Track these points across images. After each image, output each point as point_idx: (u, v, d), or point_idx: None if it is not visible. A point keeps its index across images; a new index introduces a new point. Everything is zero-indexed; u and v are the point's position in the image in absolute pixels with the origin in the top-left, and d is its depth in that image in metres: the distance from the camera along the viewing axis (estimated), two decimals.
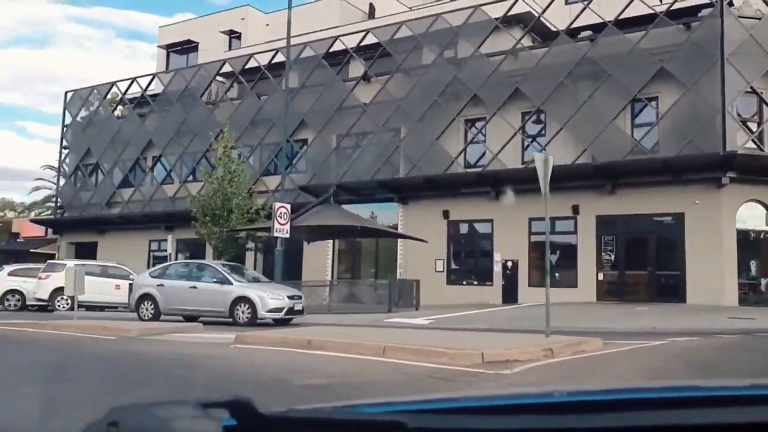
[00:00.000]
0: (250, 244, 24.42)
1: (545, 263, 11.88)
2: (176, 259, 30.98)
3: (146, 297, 16.99)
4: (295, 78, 30.12)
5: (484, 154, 25.06)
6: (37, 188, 42.56)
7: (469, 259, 25.63)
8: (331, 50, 28.65)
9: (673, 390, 1.22)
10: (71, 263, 21.07)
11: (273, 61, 30.22)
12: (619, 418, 0.96)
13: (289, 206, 19.97)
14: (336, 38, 28.36)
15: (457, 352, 8.08)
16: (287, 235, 19.75)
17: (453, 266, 25.23)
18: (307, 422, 0.96)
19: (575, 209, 22.83)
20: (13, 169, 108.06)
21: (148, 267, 32.47)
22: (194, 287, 16.45)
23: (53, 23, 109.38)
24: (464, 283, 24.70)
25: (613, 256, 22.64)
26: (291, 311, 15.90)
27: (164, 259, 31.03)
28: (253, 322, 15.36)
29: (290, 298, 16.08)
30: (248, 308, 15.63)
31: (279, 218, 19.40)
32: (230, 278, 16.32)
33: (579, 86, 23.27)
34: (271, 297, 15.70)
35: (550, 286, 11.37)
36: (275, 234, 19.40)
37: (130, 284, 22.61)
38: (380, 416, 0.99)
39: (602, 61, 22.70)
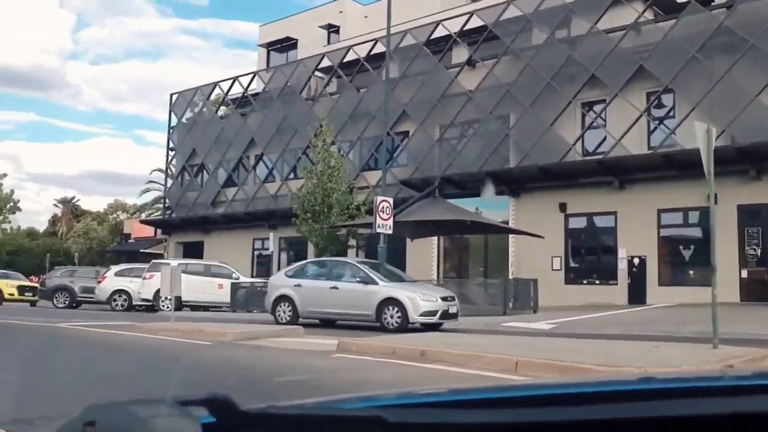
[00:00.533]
0: (351, 242, 23.32)
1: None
2: (278, 257, 30.59)
3: (283, 299, 15.44)
4: (395, 68, 28.92)
5: (604, 139, 22.76)
6: (147, 190, 43.80)
7: (589, 255, 23.42)
8: (433, 37, 27.18)
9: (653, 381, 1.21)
10: (174, 262, 20.69)
11: (372, 53, 29.13)
12: (606, 410, 0.95)
13: (391, 200, 18.64)
14: (438, 23, 26.85)
15: (613, 370, 6.37)
16: (390, 231, 18.42)
17: (571, 264, 23.10)
18: (287, 418, 0.93)
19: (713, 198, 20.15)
20: (131, 174, 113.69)
21: (252, 266, 32.44)
22: (335, 288, 14.80)
23: (165, 36, 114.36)
24: (584, 282, 22.52)
25: (759, 251, 19.83)
26: (445, 315, 13.94)
27: (267, 258, 30.71)
28: (404, 327, 13.49)
29: (443, 299, 14.20)
30: (397, 311, 13.80)
31: (381, 213, 18.10)
32: (375, 277, 14.52)
33: (714, 60, 20.59)
34: (423, 298, 13.87)
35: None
36: (377, 230, 18.12)
37: (233, 283, 22.17)
38: (360, 411, 0.99)
39: (742, 30, 19.93)
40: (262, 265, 32.09)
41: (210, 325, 13.39)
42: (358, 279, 14.65)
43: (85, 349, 10.18)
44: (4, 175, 38.64)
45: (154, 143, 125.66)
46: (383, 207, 18.16)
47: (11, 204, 38.57)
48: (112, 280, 24.54)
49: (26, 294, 30.64)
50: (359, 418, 0.94)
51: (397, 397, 1.15)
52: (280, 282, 16.14)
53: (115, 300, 24.27)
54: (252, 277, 26.81)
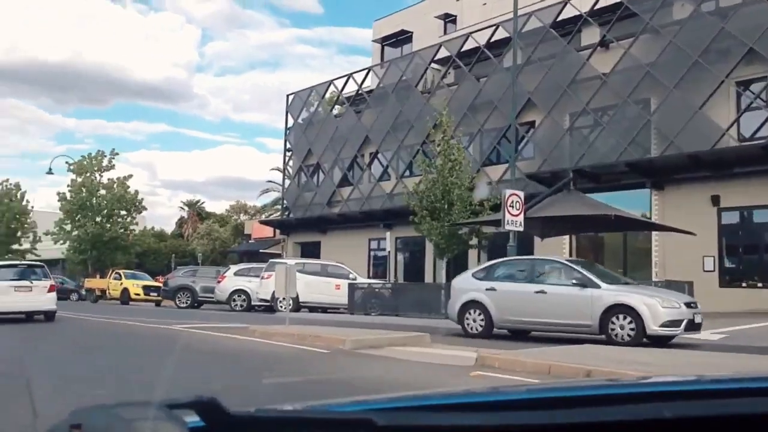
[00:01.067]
0: (474, 240, 21.68)
1: None
2: (395, 258, 29.48)
3: (473, 305, 13.18)
4: (518, 54, 27.06)
5: (765, 122, 19.83)
6: (266, 191, 44.22)
7: (748, 255, 20.52)
8: (560, 18, 25.06)
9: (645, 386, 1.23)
10: (289, 262, 19.96)
11: (492, 39, 27.38)
12: (596, 413, 0.95)
13: (521, 194, 16.90)
14: (565, 3, 24.71)
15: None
16: (521, 228, 16.70)
17: (727, 264, 20.31)
18: (276, 421, 0.93)
19: None
20: (253, 180, 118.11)
21: (368, 267, 31.56)
22: (541, 292, 12.39)
23: (283, 46, 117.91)
24: (743, 285, 19.70)
25: None
26: (691, 325, 11.44)
27: (383, 258, 29.70)
28: (638, 340, 11.12)
29: (687, 306, 11.64)
30: (629, 321, 11.29)
31: (510, 208, 16.41)
32: (595, 279, 12.03)
33: None
34: (663, 305, 11.35)
35: None
36: (507, 227, 16.44)
37: (350, 284, 21.19)
38: (349, 414, 0.99)
39: None
40: (378, 266, 31.14)
41: (327, 329, 12.28)
42: (573, 281, 12.11)
43: (194, 358, 9.28)
44: (130, 176, 39.81)
45: (275, 150, 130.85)
46: (513, 201, 16.46)
47: (137, 203, 39.78)
48: (231, 280, 24.32)
49: (151, 294, 31.35)
50: (349, 420, 0.93)
51: (389, 400, 1.16)
52: (467, 285, 13.82)
53: (234, 300, 24.02)
54: (368, 278, 25.82)
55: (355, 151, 33.32)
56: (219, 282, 24.60)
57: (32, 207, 55.29)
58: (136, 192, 39.86)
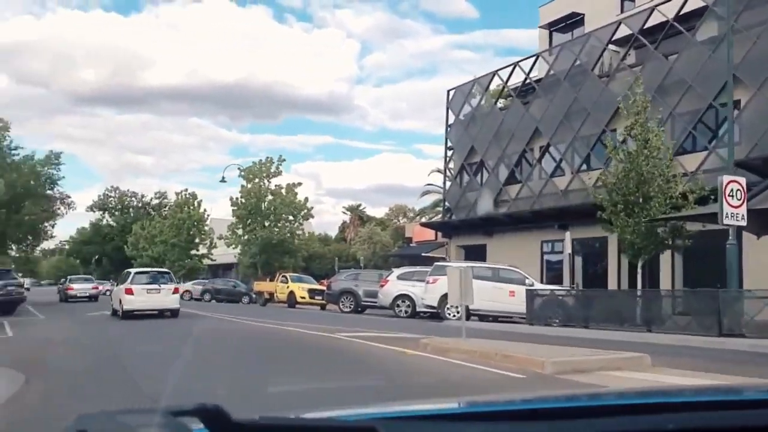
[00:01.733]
0: (673, 239, 18.51)
1: None
2: (572, 262, 26.67)
3: None
4: (713, 27, 23.37)
5: None
6: (427, 192, 42.91)
7: None
8: None
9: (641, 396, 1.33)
10: (459, 264, 18.10)
11: (682, 12, 23.86)
12: (591, 425, 0.95)
13: (743, 181, 13.83)
14: None
15: None
16: (743, 222, 13.68)
17: None
18: (280, 429, 0.93)
19: None
20: (412, 186, 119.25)
21: (541, 271, 28.96)
22: None
23: (439, 53, 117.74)
24: None
25: None
26: None
27: (558, 262, 27.01)
28: None
29: None
30: None
31: (729, 198, 13.44)
32: None
33: None
34: None
35: None
36: (726, 221, 13.49)
37: (528, 291, 18.97)
38: (352, 423, 1.00)
39: None
40: (553, 271, 28.41)
41: (515, 346, 10.25)
42: None
43: (356, 374, 7.69)
44: (299, 183, 40.33)
45: (432, 156, 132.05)
46: (732, 190, 13.48)
47: (305, 211, 40.09)
48: (394, 284, 23.00)
49: (316, 297, 31.03)
50: (353, 429, 0.94)
51: (393, 409, 1.14)
52: None
53: (398, 305, 22.67)
54: (542, 283, 23.34)
55: (524, 146, 30.88)
56: (382, 286, 23.38)
57: (209, 215, 58.49)
58: (306, 199, 40.33)
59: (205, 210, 57.98)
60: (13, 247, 36.66)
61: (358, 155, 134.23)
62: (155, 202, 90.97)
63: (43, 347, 11.83)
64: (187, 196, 57.28)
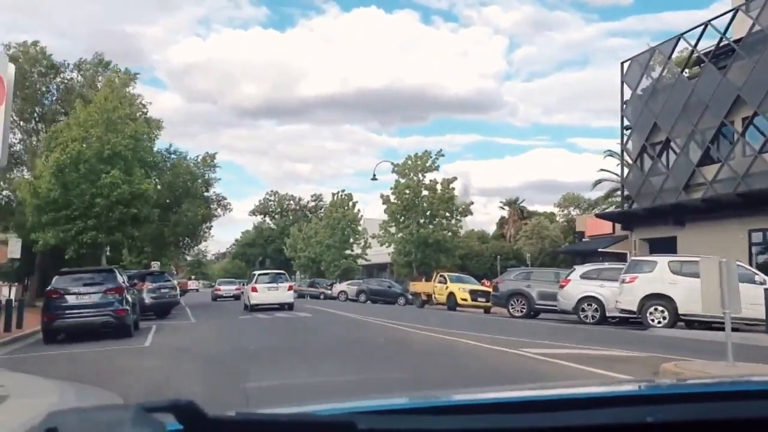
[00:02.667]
0: None
1: None
2: None
3: None
4: None
5: None
6: (599, 181, 38.32)
7: None
8: None
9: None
10: (666, 259, 14.40)
11: None
12: (572, 417, 0.96)
13: None
14: None
15: None
16: None
17: None
18: (255, 425, 0.91)
19: None
20: (568, 182, 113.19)
21: (750, 266, 24.00)
22: None
23: (591, 42, 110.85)
24: None
25: None
26: None
27: None
28: None
29: None
30: None
31: None
32: None
33: None
34: None
35: None
36: None
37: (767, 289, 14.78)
38: (331, 417, 0.99)
39: None
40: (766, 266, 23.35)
41: None
42: None
43: None
44: (454, 178, 37.60)
45: (587, 149, 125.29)
46: None
47: (463, 207, 37.29)
48: (577, 285, 19.51)
49: (479, 299, 28.15)
50: (331, 424, 0.93)
51: (370, 403, 1.15)
52: None
53: (583, 310, 19.14)
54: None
55: (721, 118, 25.93)
56: (562, 287, 19.93)
57: (362, 215, 57.53)
58: (467, 190, 37.55)
59: (359, 210, 57.22)
60: (185, 251, 37.19)
61: (509, 152, 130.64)
62: (311, 204, 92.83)
63: (171, 365, 9.90)
64: (344, 196, 56.70)
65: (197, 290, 75.70)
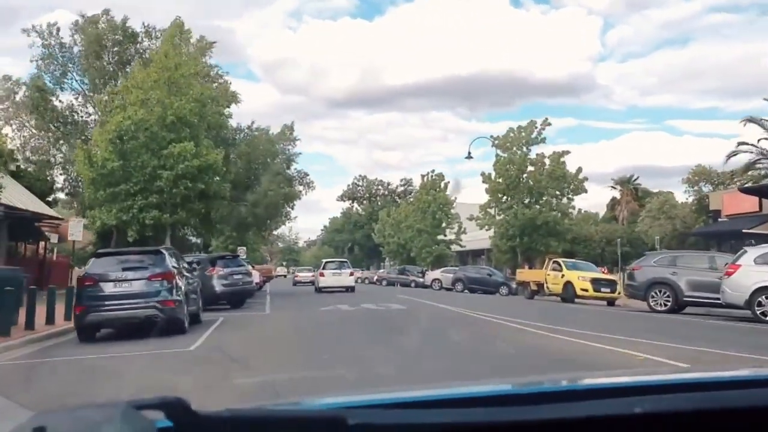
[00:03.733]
0: None
1: None
2: None
3: None
4: None
5: None
6: (734, 153, 32.72)
7: None
8: None
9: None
10: None
11: None
12: (562, 409, 0.95)
13: None
14: None
15: None
16: None
17: None
18: (246, 421, 0.91)
19: None
20: (668, 167, 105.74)
21: None
22: None
23: (692, 20, 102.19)
24: None
25: None
26: None
27: None
28: None
29: None
30: None
31: None
32: None
33: None
34: None
35: None
36: None
37: None
38: (321, 412, 1.00)
39: None
40: None
41: None
42: None
43: None
44: (566, 152, 32.98)
45: (688, 132, 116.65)
46: None
47: (576, 182, 32.69)
48: (749, 272, 14.98)
49: (602, 290, 23.77)
50: (320, 419, 0.93)
51: (361, 397, 1.15)
52: None
53: (760, 304, 14.60)
54: None
55: None
56: (729, 274, 15.42)
57: (455, 197, 53.55)
58: (579, 169, 32.80)
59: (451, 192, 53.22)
60: (267, 234, 34.22)
61: (604, 136, 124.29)
62: (400, 189, 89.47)
63: (205, 388, 6.51)
64: (434, 177, 52.84)
65: (285, 276, 74.46)
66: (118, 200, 18.68)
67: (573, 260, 27.69)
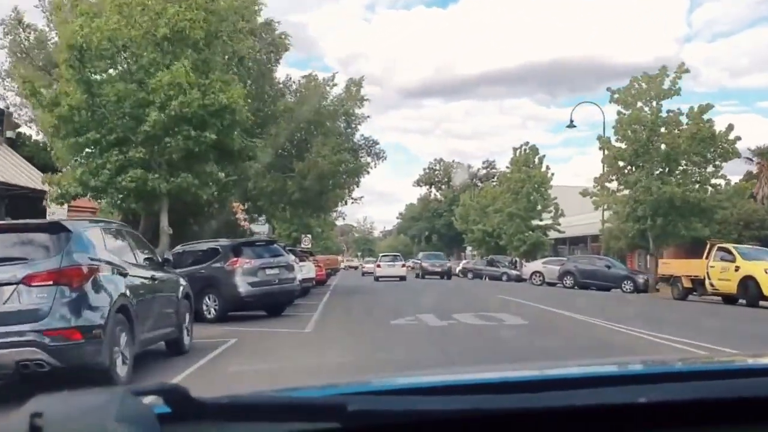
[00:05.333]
0: None
1: None
2: None
3: None
4: None
5: None
6: None
7: None
8: None
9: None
10: None
11: None
12: (565, 397, 0.93)
13: None
14: None
15: None
16: None
17: None
18: (244, 407, 0.89)
19: None
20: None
21: None
22: None
23: None
24: None
25: None
26: None
27: None
28: None
29: None
30: None
31: None
32: None
33: None
34: None
35: None
36: None
37: None
38: (320, 399, 0.98)
39: None
40: None
41: None
42: None
43: None
44: (710, 106, 25.02)
45: None
46: None
47: (723, 146, 24.78)
48: None
49: None
50: (319, 406, 0.92)
51: (361, 384, 1.14)
52: None
53: None
54: None
55: None
56: None
57: (552, 174, 45.83)
58: (730, 127, 24.79)
59: (548, 168, 45.51)
60: (321, 218, 27.54)
61: None
62: (483, 172, 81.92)
63: None
64: (527, 151, 45.23)
65: (356, 268, 68.39)
66: (91, 156, 12.46)
67: (748, 247, 20.12)
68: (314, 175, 19.03)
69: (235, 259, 13.18)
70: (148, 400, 0.81)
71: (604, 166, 28.51)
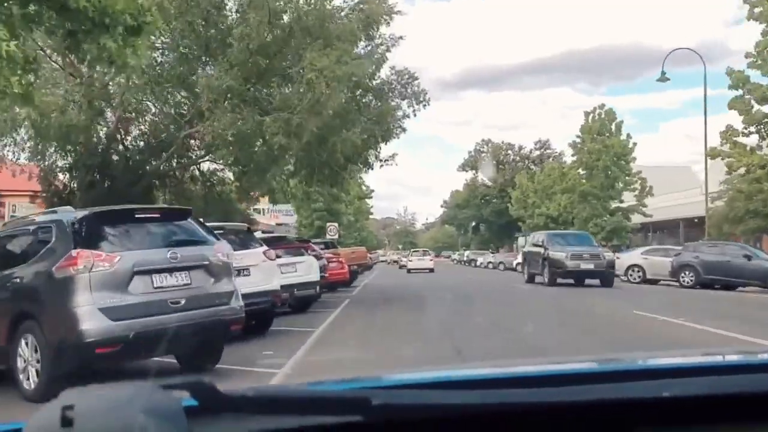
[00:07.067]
0: None
1: None
2: None
3: None
4: None
5: None
6: None
7: None
8: None
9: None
10: None
11: None
12: (586, 392, 0.93)
13: None
14: None
15: None
16: None
17: None
18: (270, 401, 0.92)
19: None
20: None
21: None
22: None
23: None
24: None
25: None
26: None
27: None
28: None
29: None
30: None
31: None
32: None
33: None
34: None
35: None
36: None
37: None
38: (345, 393, 0.99)
39: None
40: None
41: None
42: None
43: None
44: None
45: None
46: None
47: None
48: None
49: None
50: (344, 400, 0.93)
51: (385, 378, 1.15)
52: None
53: None
54: None
55: None
56: None
57: (634, 143, 37.31)
58: None
59: (629, 137, 36.99)
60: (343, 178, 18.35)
61: None
62: (536, 154, 73.29)
63: None
64: (601, 115, 36.78)
65: (396, 262, 60.36)
66: None
67: None
68: (307, 105, 11.13)
69: (76, 252, 5.61)
70: (175, 393, 0.81)
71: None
